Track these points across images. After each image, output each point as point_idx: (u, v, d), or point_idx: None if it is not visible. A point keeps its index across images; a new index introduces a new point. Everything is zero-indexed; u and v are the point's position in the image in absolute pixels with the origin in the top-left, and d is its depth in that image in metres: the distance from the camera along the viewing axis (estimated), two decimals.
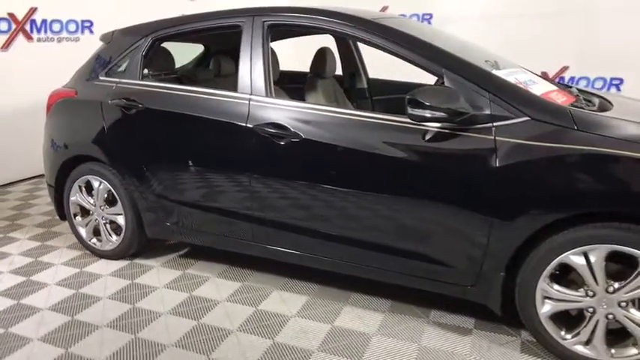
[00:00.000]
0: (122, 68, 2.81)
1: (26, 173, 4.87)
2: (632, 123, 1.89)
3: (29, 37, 4.72)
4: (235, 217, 2.49)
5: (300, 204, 2.30)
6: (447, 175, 1.98)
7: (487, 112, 1.92)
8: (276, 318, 2.30)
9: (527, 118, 1.88)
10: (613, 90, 5.35)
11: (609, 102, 2.25)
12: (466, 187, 1.95)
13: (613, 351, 1.87)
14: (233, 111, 2.39)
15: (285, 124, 2.25)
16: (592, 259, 1.80)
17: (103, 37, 2.99)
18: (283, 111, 2.29)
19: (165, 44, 2.94)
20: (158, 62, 3.00)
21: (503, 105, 1.91)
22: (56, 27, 4.92)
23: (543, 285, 1.90)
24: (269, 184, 2.34)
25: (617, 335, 1.87)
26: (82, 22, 5.11)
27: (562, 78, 5.66)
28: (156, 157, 2.65)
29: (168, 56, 3.09)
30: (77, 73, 3.01)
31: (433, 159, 2.01)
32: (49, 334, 2.24)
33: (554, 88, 2.30)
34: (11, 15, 4.59)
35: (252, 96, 2.37)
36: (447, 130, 1.94)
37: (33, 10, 4.74)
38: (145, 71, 2.93)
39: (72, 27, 5.05)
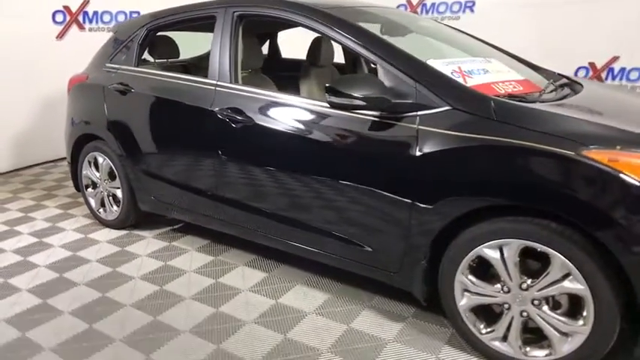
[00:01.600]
0: (123, 56, 3.09)
1: None
2: (569, 117, 1.79)
3: (82, 27, 5.23)
4: (202, 194, 2.68)
5: (247, 184, 2.45)
6: (373, 161, 2.02)
7: (413, 100, 1.93)
8: (294, 313, 2.26)
9: (449, 108, 1.86)
10: None
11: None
12: (389, 174, 1.98)
13: (527, 349, 1.83)
14: (202, 96, 2.56)
15: (242, 109, 2.39)
16: (505, 253, 1.77)
17: (113, 29, 3.29)
18: (242, 97, 2.43)
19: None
20: (162, 50, 3.24)
21: (427, 94, 1.91)
22: (106, 18, 5.38)
23: (461, 277, 1.89)
24: (227, 164, 2.50)
25: (541, 334, 1.81)
26: (130, 12, 5.53)
27: (611, 69, 5.24)
28: (141, 137, 2.91)
29: (172, 45, 3.32)
30: (92, 60, 3.34)
31: (361, 145, 2.05)
32: (36, 286, 2.58)
33: (513, 78, 2.21)
34: (66, 7, 5.11)
35: (218, 82, 2.53)
36: (376, 118, 1.98)
37: (86, 3, 5.23)
38: (150, 59, 3.21)
39: (121, 17, 5.48)
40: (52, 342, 2.11)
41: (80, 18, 5.21)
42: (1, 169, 4.76)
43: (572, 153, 1.60)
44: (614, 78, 5.25)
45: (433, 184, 1.87)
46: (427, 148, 1.86)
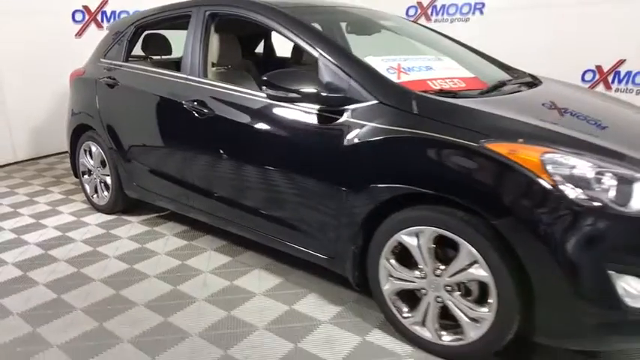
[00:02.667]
0: (115, 52, 3.32)
1: None
2: (482, 112, 1.86)
3: (100, 26, 5.54)
4: (174, 182, 2.86)
5: (209, 173, 2.62)
6: (310, 150, 2.14)
7: (346, 94, 2.04)
8: (307, 321, 2.19)
9: (376, 102, 1.96)
10: None
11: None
12: (323, 163, 2.10)
13: (443, 333, 1.90)
14: (175, 89, 2.74)
15: (206, 102, 2.56)
16: (421, 240, 1.86)
17: (108, 26, 3.53)
18: (207, 90, 2.59)
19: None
20: (154, 47, 3.45)
21: (358, 89, 2.01)
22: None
23: (384, 262, 1.98)
24: (193, 153, 2.68)
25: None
26: None
27: (618, 72, 5.13)
28: (124, 126, 3.13)
29: (163, 41, 3.53)
30: (90, 56, 3.59)
31: (300, 135, 2.17)
32: (21, 260, 2.83)
33: (459, 76, 2.28)
34: (85, 7, 5.45)
35: (189, 76, 2.70)
36: (314, 111, 2.10)
37: (104, 3, 5.56)
38: (143, 54, 3.43)
39: None
40: (21, 308, 2.33)
41: (99, 17, 5.54)
42: (19, 158, 5.13)
43: (476, 145, 1.67)
44: (620, 81, 5.14)
45: (359, 173, 1.98)
46: (355, 140, 1.97)
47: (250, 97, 2.37)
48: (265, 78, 2.05)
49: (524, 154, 1.61)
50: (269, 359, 1.94)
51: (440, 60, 2.44)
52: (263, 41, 4.19)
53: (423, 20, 6.42)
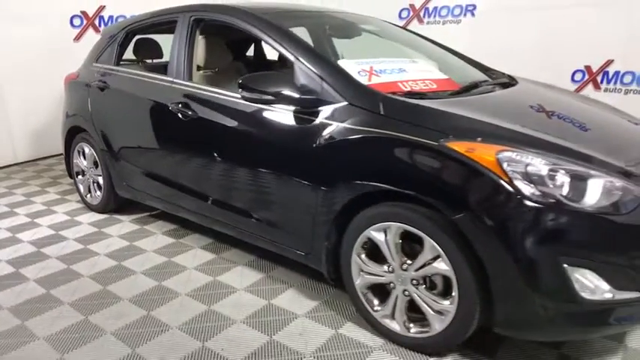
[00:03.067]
0: (106, 56, 3.42)
1: None
2: (445, 112, 1.93)
3: (97, 31, 5.63)
4: (161, 181, 2.95)
5: (194, 173, 2.70)
6: (286, 150, 2.22)
7: (319, 96, 2.12)
8: (284, 315, 2.26)
9: (346, 103, 2.04)
10: None
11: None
12: (299, 162, 2.17)
13: (411, 326, 1.98)
14: (161, 92, 2.84)
15: (189, 104, 2.64)
16: (388, 235, 1.93)
17: (102, 31, 3.63)
18: (190, 93, 2.67)
19: None
20: (145, 51, 3.55)
21: (330, 91, 2.09)
22: None
23: (355, 258, 2.06)
24: (178, 154, 2.77)
25: None
26: None
27: (606, 72, 5.19)
28: (114, 128, 3.22)
29: (154, 46, 3.62)
30: (84, 60, 3.70)
31: (276, 135, 2.26)
32: (14, 258, 2.93)
33: (431, 78, 2.36)
34: (83, 12, 5.57)
35: (174, 79, 2.79)
36: (289, 112, 2.18)
37: (102, 8, 5.68)
38: (134, 58, 3.53)
39: None
40: (11, 302, 2.43)
41: (96, 22, 5.65)
42: (19, 159, 5.25)
43: (436, 143, 1.75)
44: (609, 81, 5.20)
45: (330, 172, 2.06)
46: (326, 140, 2.05)
47: (230, 99, 2.45)
48: (241, 81, 2.14)
49: (481, 152, 1.68)
50: (243, 351, 2.02)
51: (414, 62, 2.52)
52: (253, 45, 4.28)
53: (415, 22, 6.50)
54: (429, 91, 2.21)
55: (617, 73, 5.12)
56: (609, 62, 5.16)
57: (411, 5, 6.51)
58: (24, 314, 2.33)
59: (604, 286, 1.66)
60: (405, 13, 6.59)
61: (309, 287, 2.50)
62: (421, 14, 6.49)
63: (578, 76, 5.45)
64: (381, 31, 3.14)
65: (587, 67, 5.33)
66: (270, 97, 2.11)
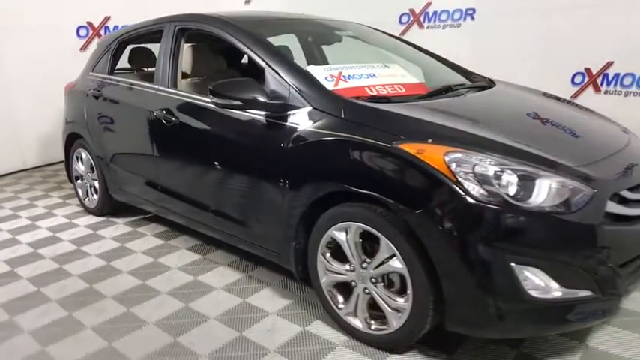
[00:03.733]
0: (101, 65, 3.56)
1: None
2: (401, 115, 1.99)
3: None
4: (150, 185, 3.07)
5: (175, 175, 2.81)
6: (258, 154, 2.31)
7: (287, 101, 2.20)
8: (256, 313, 2.34)
9: (311, 108, 2.12)
10: None
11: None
12: (269, 165, 2.26)
13: (372, 322, 2.03)
14: (147, 99, 2.96)
15: (172, 110, 2.75)
16: (349, 235, 2.00)
17: (98, 42, 3.78)
18: (174, 99, 2.79)
19: None
20: (139, 59, 3.69)
21: (297, 96, 2.18)
22: None
23: (320, 257, 2.13)
24: (162, 158, 2.89)
25: None
26: None
27: (606, 74, 5.15)
28: (107, 134, 3.36)
29: (148, 55, 3.76)
30: (83, 69, 3.85)
31: (248, 139, 2.35)
32: (11, 258, 3.08)
33: (402, 82, 2.42)
34: (89, 23, 5.77)
35: (159, 86, 2.91)
36: (261, 117, 2.27)
37: (107, 19, 5.87)
38: (129, 66, 3.67)
39: None
40: (2, 299, 2.56)
41: (102, 32, 5.84)
42: (28, 165, 5.46)
43: (388, 145, 1.82)
44: (609, 84, 5.16)
45: (297, 174, 2.14)
46: (292, 143, 2.13)
47: (207, 105, 2.55)
48: (211, 87, 2.23)
49: (430, 153, 1.74)
50: (211, 345, 2.10)
51: (387, 67, 2.58)
52: None
53: (415, 27, 6.55)
54: (396, 95, 2.28)
55: (616, 75, 5.09)
56: (609, 64, 5.12)
57: (411, 10, 6.56)
58: (13, 310, 2.45)
59: (553, 284, 1.70)
60: (405, 18, 6.64)
61: (285, 287, 2.58)
62: (421, 19, 6.53)
63: (578, 79, 5.42)
64: (363, 37, 3.21)
65: (587, 70, 5.30)
66: (237, 103, 2.20)
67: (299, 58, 3.49)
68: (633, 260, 1.85)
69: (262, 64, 2.35)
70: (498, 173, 1.69)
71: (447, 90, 2.51)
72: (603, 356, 1.94)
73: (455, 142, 1.79)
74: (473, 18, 6.17)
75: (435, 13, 6.43)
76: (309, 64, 3.79)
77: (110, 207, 3.68)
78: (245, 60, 4.38)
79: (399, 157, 1.79)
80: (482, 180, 1.68)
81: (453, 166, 1.71)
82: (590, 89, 5.34)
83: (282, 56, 2.35)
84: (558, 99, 2.67)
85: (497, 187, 1.67)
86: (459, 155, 1.72)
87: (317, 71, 2.28)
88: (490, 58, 5.95)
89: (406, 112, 2.01)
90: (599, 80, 5.26)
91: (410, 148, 1.78)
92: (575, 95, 5.44)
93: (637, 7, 4.80)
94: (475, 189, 1.67)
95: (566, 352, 1.98)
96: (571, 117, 2.36)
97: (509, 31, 5.79)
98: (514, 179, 1.69)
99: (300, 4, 6.32)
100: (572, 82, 5.48)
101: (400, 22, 6.66)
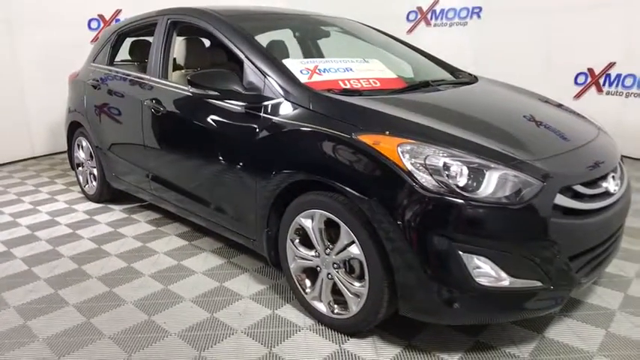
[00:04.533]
0: (102, 57, 3.70)
1: None
2: (364, 107, 2.05)
3: None
4: (141, 173, 3.19)
5: (163, 163, 2.93)
6: (236, 143, 2.39)
7: (262, 93, 2.28)
8: (231, 296, 2.43)
9: (283, 99, 2.20)
10: None
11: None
12: (244, 154, 2.34)
13: (335, 307, 2.11)
14: (140, 89, 3.07)
15: (160, 100, 2.86)
16: (314, 222, 2.07)
17: (101, 34, 3.92)
18: (162, 90, 2.90)
19: None
20: (139, 51, 3.80)
21: (271, 88, 2.26)
22: None
23: (289, 243, 2.21)
24: (151, 146, 3.00)
25: None
26: None
27: (608, 75, 5.12)
28: (103, 123, 3.49)
29: (147, 47, 3.87)
30: (85, 60, 4.00)
31: (227, 128, 2.43)
32: (9, 239, 3.23)
33: (378, 77, 2.48)
34: (100, 16, 5.94)
35: (151, 77, 3.02)
36: (239, 107, 2.36)
37: (118, 12, 6.04)
38: (129, 58, 3.80)
39: None
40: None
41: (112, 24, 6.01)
42: (37, 153, 5.66)
43: (348, 136, 1.89)
44: (610, 84, 5.12)
45: (268, 162, 2.22)
46: (265, 132, 2.22)
47: (189, 94, 2.63)
48: (189, 78, 2.33)
49: (385, 144, 1.81)
50: (183, 324, 2.21)
51: (366, 62, 2.64)
52: None
53: (422, 24, 6.57)
54: (370, 89, 2.34)
55: (618, 75, 5.05)
56: (611, 65, 5.09)
57: (419, 8, 6.58)
58: (4, 287, 2.59)
59: (502, 274, 1.75)
60: (412, 16, 6.67)
61: (263, 273, 2.67)
62: (428, 16, 6.55)
63: (581, 79, 5.39)
64: (356, 33, 3.27)
65: (590, 70, 5.27)
66: (214, 93, 2.29)
67: (296, 52, 3.59)
68: (586, 253, 1.89)
69: (241, 56, 2.43)
70: (449, 165, 1.74)
71: (424, 85, 2.57)
72: (557, 347, 1.98)
73: (411, 134, 1.85)
74: (479, 16, 6.17)
75: (442, 10, 6.45)
76: (305, 58, 3.91)
77: (108, 194, 3.82)
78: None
79: (357, 147, 1.86)
80: (433, 171, 1.74)
81: (406, 156, 1.77)
82: (593, 89, 5.30)
83: (259, 49, 2.42)
84: (537, 97, 2.69)
85: (447, 177, 1.73)
86: (412, 146, 1.78)
87: (292, 64, 2.36)
88: (495, 56, 5.95)
89: (370, 105, 2.07)
90: (601, 81, 5.22)
91: (367, 139, 1.85)
92: (579, 95, 5.41)
93: (639, 10, 4.74)
94: (426, 179, 1.73)
95: (522, 342, 2.02)
96: (540, 112, 2.39)
97: (515, 30, 5.77)
98: (465, 171, 1.74)
99: (305, 1, 6.43)
100: (576, 82, 5.45)
101: (408, 19, 6.69)
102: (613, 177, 2.02)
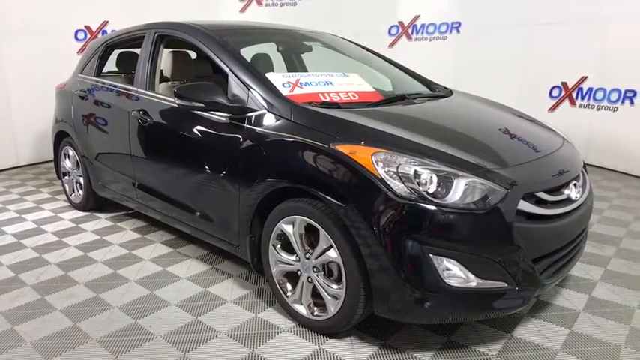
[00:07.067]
0: (89, 68, 3.78)
1: None
2: (341, 119, 2.17)
3: None
4: (128, 182, 3.27)
5: (149, 172, 3.01)
6: (220, 153, 2.49)
7: (245, 105, 2.39)
8: (215, 300, 2.51)
9: (265, 111, 2.31)
10: (627, 103, 4.89)
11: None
12: (228, 163, 2.44)
13: (315, 309, 2.21)
14: (126, 100, 3.16)
15: (147, 110, 2.96)
16: (295, 228, 2.18)
17: (88, 45, 4.00)
18: (149, 101, 2.99)
19: None
20: (126, 63, 3.89)
21: (255, 100, 2.37)
22: None
23: (272, 248, 2.31)
24: (138, 155, 3.08)
25: None
26: None
27: (580, 88, 5.34)
28: (90, 133, 3.56)
29: (134, 58, 3.96)
30: (73, 71, 4.07)
31: (212, 139, 2.53)
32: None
33: (357, 90, 2.61)
34: (87, 27, 6.02)
35: (138, 88, 3.12)
36: (223, 118, 2.46)
37: (105, 23, 6.12)
38: (116, 69, 3.89)
39: None
40: None
41: (99, 36, 6.08)
42: (22, 162, 5.68)
43: (326, 146, 2.00)
44: (583, 97, 5.34)
45: (251, 171, 2.32)
46: (248, 142, 2.32)
47: (176, 106, 2.73)
48: (175, 90, 2.43)
49: (361, 153, 1.93)
50: (168, 327, 2.28)
51: (346, 76, 2.77)
52: None
53: (404, 39, 6.76)
54: (348, 102, 2.47)
55: (590, 89, 5.27)
56: (583, 79, 5.31)
57: (400, 22, 6.78)
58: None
59: (470, 275, 1.87)
60: (394, 30, 6.86)
61: (246, 278, 2.76)
62: (409, 31, 6.75)
63: (555, 92, 5.60)
64: (337, 48, 3.41)
65: (564, 84, 5.49)
66: (199, 105, 2.40)
67: (280, 66, 3.71)
68: (549, 255, 2.02)
69: (226, 69, 2.54)
70: (419, 173, 1.86)
71: (401, 98, 2.70)
72: (524, 345, 2.10)
73: (385, 144, 1.97)
74: (459, 31, 6.39)
75: (422, 25, 6.64)
76: (288, 71, 4.03)
77: (94, 202, 3.88)
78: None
79: (335, 157, 1.97)
80: (405, 178, 1.86)
81: (380, 165, 1.89)
82: (566, 102, 5.52)
83: (243, 63, 2.54)
84: (508, 110, 2.85)
85: (418, 185, 1.85)
86: (385, 155, 1.90)
87: (275, 78, 2.48)
88: (474, 69, 6.16)
89: (348, 117, 2.19)
90: (574, 94, 5.43)
91: (344, 148, 1.96)
92: (553, 108, 5.63)
93: (610, 27, 4.97)
94: (398, 186, 1.85)
95: (491, 341, 2.14)
96: (506, 123, 2.54)
97: (493, 44, 5.99)
98: (434, 178, 1.86)
99: (290, 16, 6.59)
100: (550, 95, 5.66)
101: (390, 33, 6.88)
102: (575, 185, 2.17)
